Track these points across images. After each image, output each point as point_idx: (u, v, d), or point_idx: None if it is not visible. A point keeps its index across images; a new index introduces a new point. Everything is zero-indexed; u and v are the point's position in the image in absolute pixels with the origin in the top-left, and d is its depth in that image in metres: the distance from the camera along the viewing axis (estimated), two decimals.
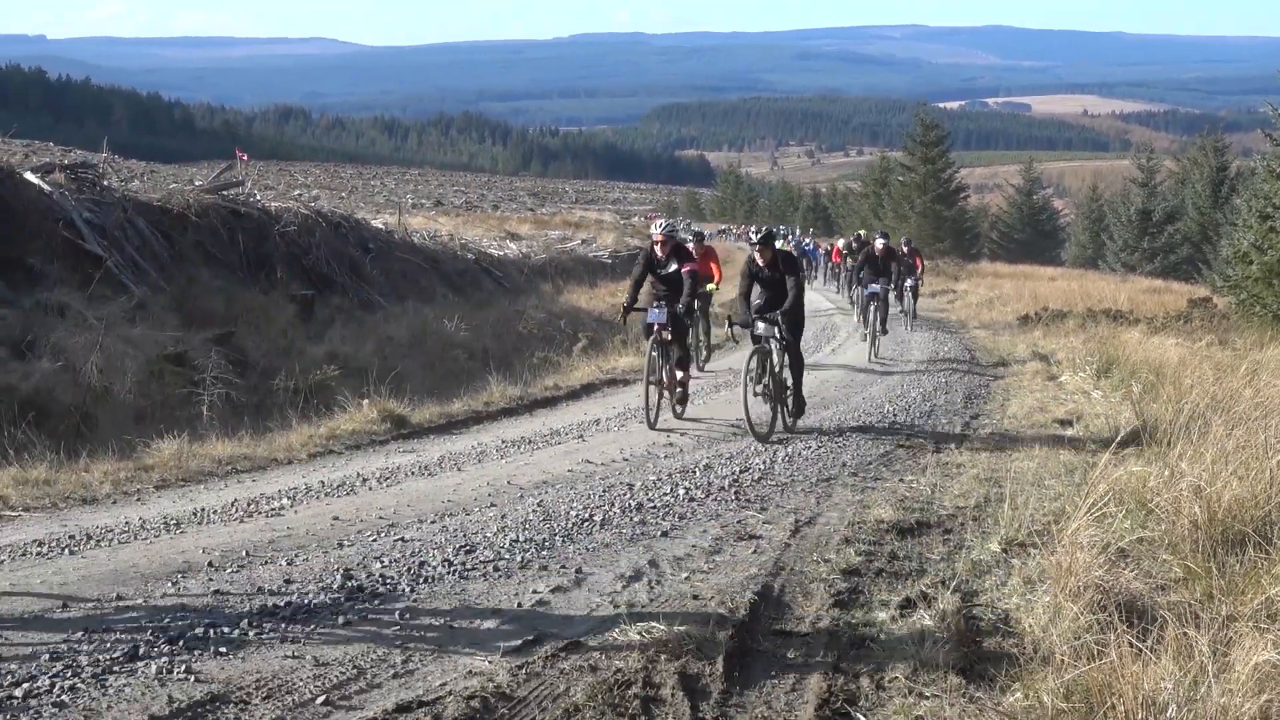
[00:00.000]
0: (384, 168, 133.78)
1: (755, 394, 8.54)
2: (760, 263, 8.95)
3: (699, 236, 13.17)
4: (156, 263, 13.91)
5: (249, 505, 6.24)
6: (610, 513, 6.11)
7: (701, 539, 5.64)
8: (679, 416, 9.29)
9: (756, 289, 9.14)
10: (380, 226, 22.74)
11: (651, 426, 8.75)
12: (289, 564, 5.10)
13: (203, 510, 6.11)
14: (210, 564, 5.07)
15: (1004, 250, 50.13)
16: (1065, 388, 11.05)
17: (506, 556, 5.27)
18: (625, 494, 6.56)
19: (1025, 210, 52.68)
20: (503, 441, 8.32)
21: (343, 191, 62.00)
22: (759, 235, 9.07)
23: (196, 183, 20.75)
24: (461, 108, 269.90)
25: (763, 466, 7.42)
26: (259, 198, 19.06)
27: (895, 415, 9.77)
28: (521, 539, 5.55)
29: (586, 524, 5.88)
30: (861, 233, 24.15)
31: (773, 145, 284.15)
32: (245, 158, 24.22)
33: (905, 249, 19.71)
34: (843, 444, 8.37)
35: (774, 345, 8.67)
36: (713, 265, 12.95)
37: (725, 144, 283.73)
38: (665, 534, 5.73)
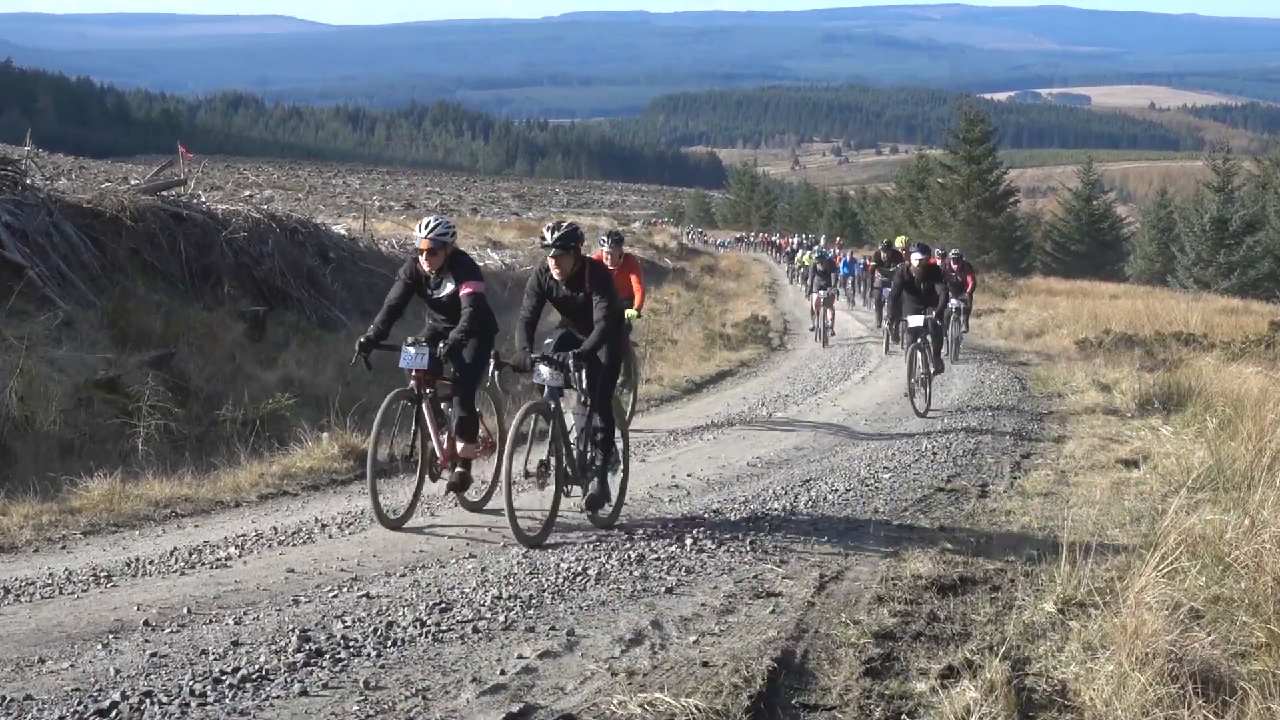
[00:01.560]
0: (347, 165, 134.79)
1: (527, 474, 6.57)
2: (556, 276, 6.88)
3: (616, 240, 10.84)
4: (86, 274, 13.98)
5: (190, 555, 6.25)
6: (607, 565, 6.13)
7: (712, 596, 5.65)
8: (471, 508, 7.37)
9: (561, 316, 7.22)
10: (343, 233, 22.85)
11: (387, 524, 6.81)
12: (237, 623, 5.11)
13: (137, 560, 6.12)
14: (146, 623, 5.08)
15: (1059, 264, 50.31)
16: (1130, 423, 11.09)
17: (487, 616, 5.28)
18: (624, 543, 6.58)
19: (1084, 218, 52.85)
20: (482, 482, 8.33)
21: (300, 192, 62.25)
22: (555, 236, 6.76)
23: (132, 181, 20.91)
24: (437, 96, 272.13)
25: (782, 512, 7.43)
26: (204, 199, 19.17)
27: (934, 453, 9.80)
28: (505, 595, 5.56)
29: (579, 578, 5.90)
30: (898, 241, 21.87)
31: (794, 141, 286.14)
32: (190, 155, 24.36)
33: (954, 265, 19.01)
34: (874, 487, 8.39)
35: (573, 402, 6.96)
36: (633, 281, 10.59)
37: (739, 140, 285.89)
38: (670, 590, 5.74)
